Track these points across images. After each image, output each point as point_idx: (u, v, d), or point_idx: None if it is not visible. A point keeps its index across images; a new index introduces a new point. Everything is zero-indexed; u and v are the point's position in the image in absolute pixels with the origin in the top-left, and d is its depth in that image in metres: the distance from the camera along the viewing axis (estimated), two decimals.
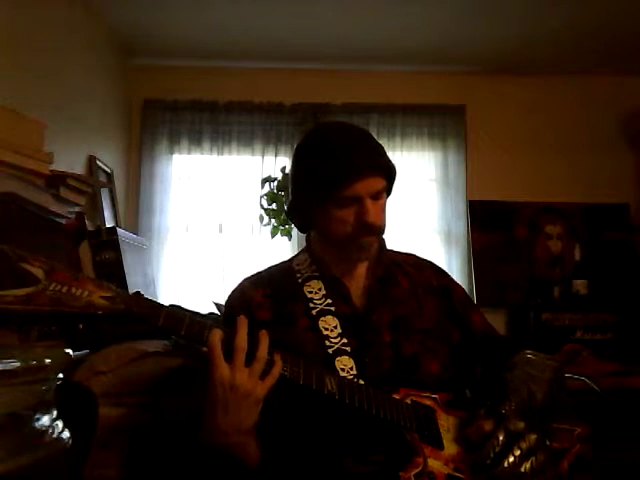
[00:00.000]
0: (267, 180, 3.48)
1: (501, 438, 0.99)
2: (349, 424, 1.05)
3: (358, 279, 1.21)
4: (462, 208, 3.77)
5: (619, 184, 3.81)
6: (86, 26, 3.02)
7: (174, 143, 3.73)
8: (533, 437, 1.00)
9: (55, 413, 1.14)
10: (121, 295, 0.91)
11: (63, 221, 1.81)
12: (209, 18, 3.20)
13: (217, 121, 3.73)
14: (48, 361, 1.11)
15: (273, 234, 3.44)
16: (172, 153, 3.74)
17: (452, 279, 1.34)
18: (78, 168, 2.80)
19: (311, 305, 1.16)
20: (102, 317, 0.88)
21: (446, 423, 1.07)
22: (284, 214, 3.25)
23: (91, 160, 3.05)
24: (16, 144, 1.57)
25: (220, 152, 3.73)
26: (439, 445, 1.04)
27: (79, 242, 2.10)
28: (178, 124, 3.72)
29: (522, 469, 0.98)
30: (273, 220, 3.43)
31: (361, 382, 1.06)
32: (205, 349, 0.95)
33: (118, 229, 2.25)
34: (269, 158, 3.73)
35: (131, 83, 3.73)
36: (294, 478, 1.08)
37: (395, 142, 3.76)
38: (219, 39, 3.46)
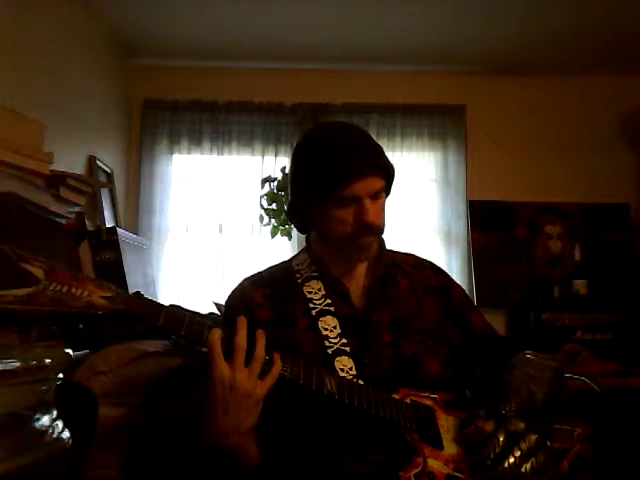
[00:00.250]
0: (267, 180, 3.48)
1: (501, 439, 0.99)
2: (349, 424, 1.05)
3: (358, 279, 1.21)
4: (462, 208, 3.77)
5: (619, 184, 3.81)
6: (86, 26, 3.03)
7: (174, 143, 3.73)
8: (533, 437, 1.00)
9: (55, 413, 1.14)
10: (121, 295, 0.91)
11: (63, 221, 1.81)
12: (209, 18, 3.20)
13: (217, 121, 3.73)
14: (48, 361, 1.11)
15: (273, 234, 3.45)
16: (172, 153, 3.74)
17: (452, 279, 1.34)
18: (78, 168, 2.80)
19: (311, 305, 1.16)
20: (102, 317, 0.89)
21: (446, 423, 1.07)
22: (284, 214, 3.25)
23: (91, 160, 3.05)
24: (16, 144, 1.57)
25: (220, 152, 3.73)
26: (439, 445, 1.04)
27: (79, 242, 2.10)
28: (178, 124, 3.72)
29: (522, 470, 0.98)
30: (273, 220, 3.44)
31: (360, 382, 1.06)
32: (205, 349, 0.95)
33: (118, 229, 2.26)
34: (269, 158, 3.73)
35: (131, 83, 3.73)
36: (294, 478, 1.08)
37: (395, 142, 3.76)
38: (219, 39, 3.46)
